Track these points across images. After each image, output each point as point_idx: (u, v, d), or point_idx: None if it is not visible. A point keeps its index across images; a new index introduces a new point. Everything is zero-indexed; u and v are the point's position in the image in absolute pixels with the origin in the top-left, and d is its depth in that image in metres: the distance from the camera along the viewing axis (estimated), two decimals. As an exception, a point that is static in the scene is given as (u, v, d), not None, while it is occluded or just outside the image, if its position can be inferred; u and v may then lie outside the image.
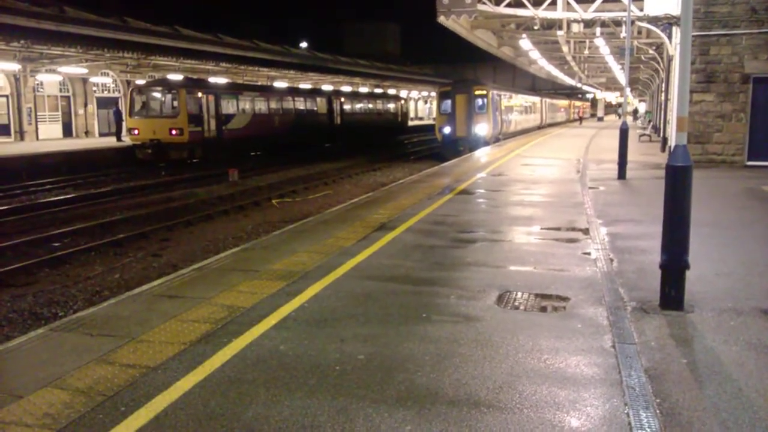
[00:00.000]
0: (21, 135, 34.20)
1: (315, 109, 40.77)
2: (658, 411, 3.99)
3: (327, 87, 50.55)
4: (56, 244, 13.09)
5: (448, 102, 32.25)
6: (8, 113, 34.26)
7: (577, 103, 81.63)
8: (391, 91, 63.19)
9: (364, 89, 59.64)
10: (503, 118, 35.71)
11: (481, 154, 25.35)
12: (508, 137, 36.37)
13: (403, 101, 57.52)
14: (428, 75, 72.23)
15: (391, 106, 53.80)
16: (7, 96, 34.13)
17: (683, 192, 5.73)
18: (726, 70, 18.18)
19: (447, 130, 31.94)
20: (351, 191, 21.44)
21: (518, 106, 42.02)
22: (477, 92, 31.87)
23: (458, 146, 31.12)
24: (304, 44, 64.35)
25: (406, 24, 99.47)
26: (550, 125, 56.23)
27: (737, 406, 4.07)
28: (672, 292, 5.86)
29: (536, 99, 50.85)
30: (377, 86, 64.04)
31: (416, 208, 11.94)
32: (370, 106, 49.93)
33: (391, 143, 46.78)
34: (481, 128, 31.61)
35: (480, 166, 20.02)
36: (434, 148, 35.60)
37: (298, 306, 6.08)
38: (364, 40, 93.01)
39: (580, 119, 74.91)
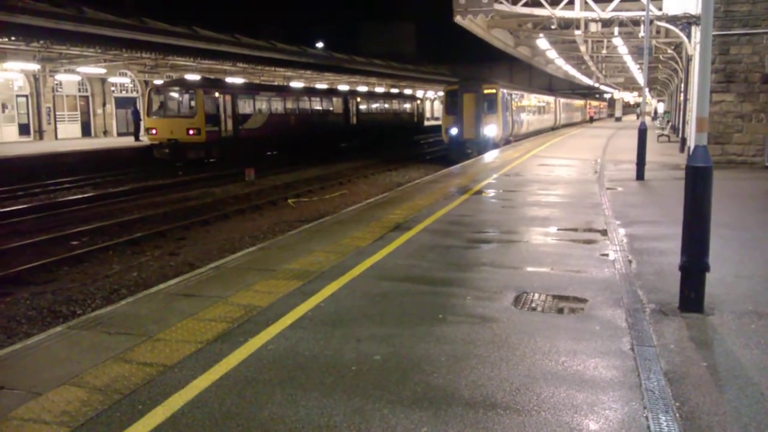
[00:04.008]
0: (40, 134, 34.59)
1: (331, 109, 40.82)
2: (677, 415, 3.94)
3: (343, 87, 50.60)
4: (75, 243, 13.20)
5: (456, 102, 30.50)
6: (28, 113, 34.66)
7: (594, 103, 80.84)
8: (407, 91, 63.18)
9: (379, 89, 59.63)
10: (514, 119, 34.08)
11: (497, 155, 25.25)
12: (519, 139, 35.02)
13: (418, 101, 57.43)
14: (444, 75, 72.07)
15: (407, 106, 53.71)
16: (26, 96, 34.53)
17: (703, 193, 5.66)
18: (746, 69, 17.97)
19: (454, 131, 30.29)
20: (367, 191, 21.43)
21: (531, 106, 40.49)
22: (486, 91, 30.10)
23: (466, 149, 29.57)
24: (320, 44, 64.45)
25: (422, 24, 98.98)
26: (566, 126, 55.29)
27: (759, 410, 4.01)
28: (692, 295, 5.79)
29: (550, 99, 49.46)
30: (393, 86, 64.03)
31: (432, 208, 11.91)
32: (386, 106, 49.87)
33: (406, 143, 46.74)
34: (491, 129, 29.97)
35: (496, 167, 19.95)
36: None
37: (315, 306, 6.08)
38: (380, 41, 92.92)
39: (591, 119, 73.77)
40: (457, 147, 30.11)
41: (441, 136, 32.28)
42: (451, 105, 30.94)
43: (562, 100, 55.44)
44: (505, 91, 31.61)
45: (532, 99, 41.63)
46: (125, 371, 4.62)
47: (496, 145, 29.97)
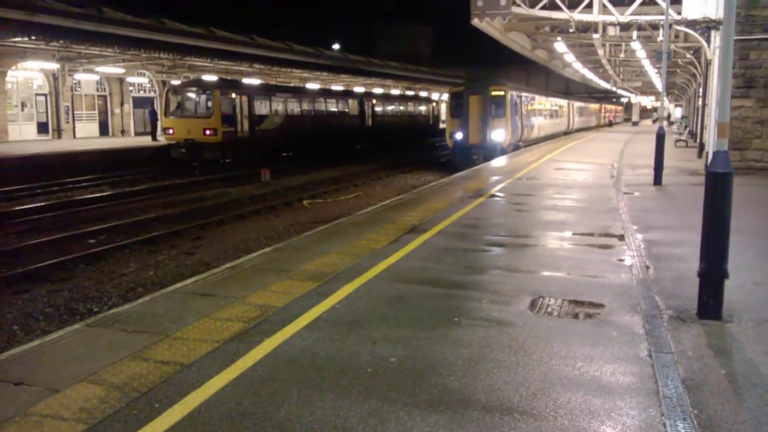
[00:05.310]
0: (59, 133, 34.91)
1: (347, 110, 40.89)
2: (695, 422, 3.91)
3: (359, 89, 50.63)
4: (92, 241, 13.31)
5: (461, 104, 28.58)
6: (47, 112, 35.01)
7: (609, 107, 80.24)
8: (423, 94, 63.15)
9: (395, 91, 59.64)
10: (524, 123, 31.83)
11: (512, 159, 25.15)
12: (529, 144, 33.40)
13: (434, 103, 57.38)
14: (459, 77, 71.90)
15: (423, 108, 53.66)
16: (45, 95, 34.89)
17: (723, 199, 5.61)
18: (766, 75, 17.81)
19: (459, 136, 28.41)
20: (382, 193, 21.45)
21: (542, 110, 38.71)
22: (493, 93, 28.24)
23: (471, 154, 27.80)
24: (336, 46, 64.56)
25: (438, 26, 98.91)
26: (579, 130, 53.94)
27: (779, 419, 3.96)
28: (710, 301, 5.74)
29: (563, 102, 47.80)
30: (409, 88, 64.00)
31: (448, 210, 11.89)
32: (402, 108, 49.85)
33: (421, 145, 46.73)
34: (498, 134, 28.15)
35: (511, 170, 19.88)
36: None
37: (330, 307, 6.08)
38: (397, 43, 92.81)
39: (610, 123, 73.52)
40: (462, 153, 28.43)
41: None
42: (456, 108, 28.95)
43: (576, 104, 54.19)
44: (514, 93, 29.89)
45: (544, 102, 40.00)
46: (143, 369, 4.65)
47: (504, 151, 28.26)
